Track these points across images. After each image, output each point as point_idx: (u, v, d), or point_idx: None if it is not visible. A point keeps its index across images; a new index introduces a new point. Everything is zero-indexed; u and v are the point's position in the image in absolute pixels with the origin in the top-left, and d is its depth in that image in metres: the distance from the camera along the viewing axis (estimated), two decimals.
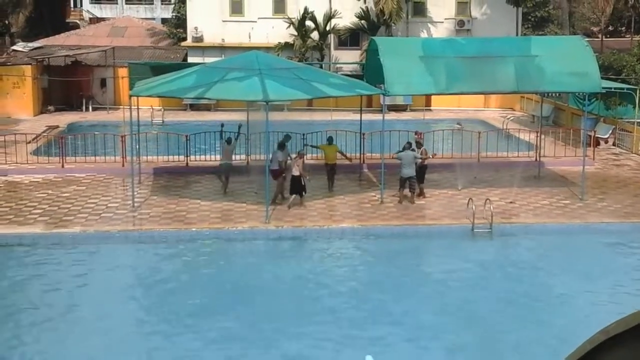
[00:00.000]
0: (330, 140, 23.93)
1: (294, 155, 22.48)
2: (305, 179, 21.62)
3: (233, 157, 23.96)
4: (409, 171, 21.98)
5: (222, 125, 24.89)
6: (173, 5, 59.60)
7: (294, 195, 21.46)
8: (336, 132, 27.34)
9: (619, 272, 17.98)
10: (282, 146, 22.87)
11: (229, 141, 23.84)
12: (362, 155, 26.20)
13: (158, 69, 25.52)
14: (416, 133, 27.50)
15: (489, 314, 15.42)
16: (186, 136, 26.82)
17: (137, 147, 23.97)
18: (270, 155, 21.94)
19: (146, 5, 79.66)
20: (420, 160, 22.47)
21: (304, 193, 21.65)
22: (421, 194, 22.86)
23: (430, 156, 23.87)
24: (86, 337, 14.22)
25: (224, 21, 44.89)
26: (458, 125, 32.75)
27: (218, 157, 27.02)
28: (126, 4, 79.12)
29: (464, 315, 15.32)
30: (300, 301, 16.05)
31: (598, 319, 12.77)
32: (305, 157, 22.61)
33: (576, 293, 16.61)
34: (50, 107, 39.74)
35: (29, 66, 38.64)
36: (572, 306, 15.92)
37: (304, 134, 25.15)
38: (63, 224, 20.04)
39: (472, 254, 19.39)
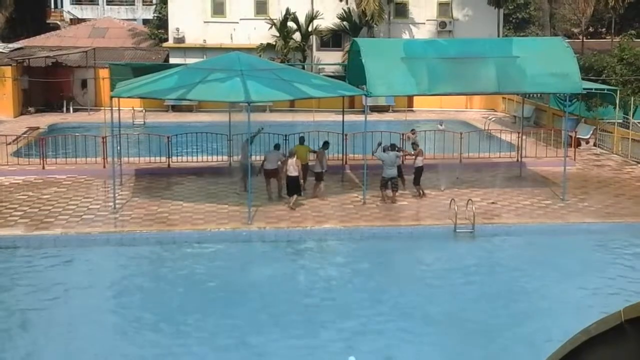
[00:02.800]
0: (301, 140, 24.00)
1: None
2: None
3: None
4: (392, 172, 22.07)
5: (262, 129, 24.67)
6: (154, 6, 59.41)
7: (294, 196, 21.52)
8: (318, 133, 27.37)
9: (600, 271, 18.07)
10: (277, 146, 23.20)
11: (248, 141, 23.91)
12: (344, 157, 26.21)
13: (139, 70, 25.31)
14: (412, 132, 27.84)
15: (470, 314, 15.44)
16: (167, 137, 26.72)
17: (119, 148, 23.87)
18: (264, 156, 22.52)
19: (127, 6, 79.33)
20: (413, 160, 22.79)
21: (301, 194, 21.77)
22: (423, 194, 22.94)
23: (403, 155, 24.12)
24: (60, 338, 14.13)
25: (205, 22, 44.80)
26: (440, 126, 32.86)
27: (200, 158, 27.04)
28: (107, 4, 78.77)
29: (445, 316, 15.34)
30: (281, 302, 16.00)
31: (579, 319, 12.81)
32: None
33: (557, 293, 16.68)
34: (31, 109, 39.51)
35: (9, 67, 38.43)
36: (553, 306, 15.97)
37: (286, 135, 25.13)
38: (44, 226, 19.90)
39: (454, 254, 19.46)
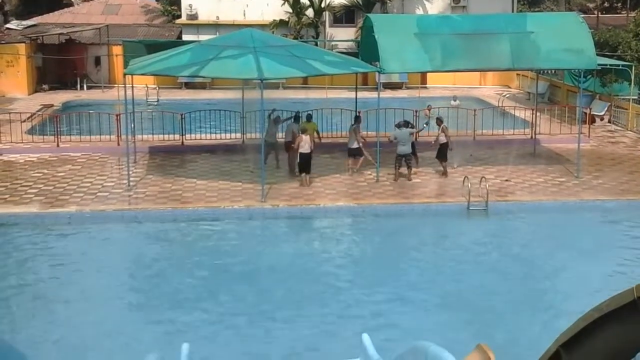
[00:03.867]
0: (309, 117, 24.01)
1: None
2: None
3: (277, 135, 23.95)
4: (406, 148, 22.07)
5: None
6: None
7: (305, 174, 21.60)
8: (331, 110, 27.36)
9: (613, 249, 18.04)
10: (297, 118, 23.60)
11: (276, 120, 23.87)
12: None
13: (153, 47, 25.33)
14: (428, 107, 27.93)
15: (485, 291, 15.48)
16: (181, 115, 26.78)
17: (132, 126, 23.94)
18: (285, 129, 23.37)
19: None
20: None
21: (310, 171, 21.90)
22: (445, 172, 22.88)
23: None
24: (74, 316, 14.26)
25: None
26: (454, 102, 32.77)
27: (213, 135, 27.10)
28: None
29: (460, 292, 15.38)
30: (297, 280, 16.09)
31: (592, 296, 12.82)
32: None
33: (571, 270, 16.67)
34: (45, 86, 39.62)
35: (23, 44, 38.47)
36: (566, 284, 15.98)
37: (307, 113, 25.07)
38: (59, 204, 20.03)
39: (468, 231, 19.48)
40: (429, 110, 30.24)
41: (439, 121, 23.51)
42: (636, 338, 3.90)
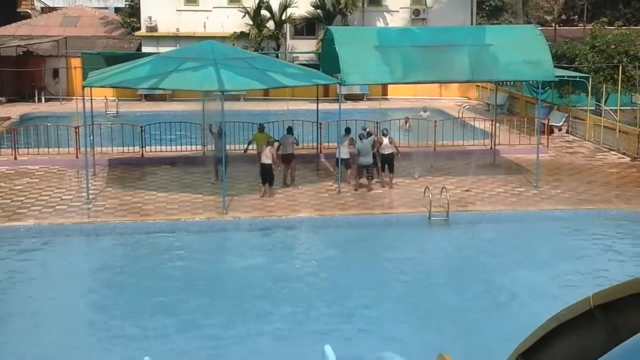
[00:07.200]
0: (261, 128, 23.96)
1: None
2: (276, 168, 22.08)
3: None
4: (367, 160, 22.13)
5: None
6: None
7: (267, 185, 21.54)
8: (293, 121, 27.34)
9: (571, 258, 18.24)
10: (290, 130, 23.80)
11: (220, 133, 23.80)
12: (319, 145, 26.20)
13: (112, 59, 25.16)
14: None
15: (444, 301, 15.54)
16: (141, 127, 26.57)
17: (91, 138, 23.69)
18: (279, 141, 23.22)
19: None
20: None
21: (272, 183, 21.80)
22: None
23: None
24: (32, 330, 14.05)
25: (178, 10, 44.47)
26: (424, 113, 33.04)
27: (174, 147, 26.93)
28: None
29: (419, 303, 15.42)
30: (255, 293, 16.01)
31: (550, 306, 12.87)
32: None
33: (529, 280, 16.80)
34: (2, 99, 39.09)
35: None
36: (525, 293, 16.09)
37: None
38: (16, 217, 19.73)
39: (428, 242, 19.56)
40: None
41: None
42: (594, 346, 3.93)
